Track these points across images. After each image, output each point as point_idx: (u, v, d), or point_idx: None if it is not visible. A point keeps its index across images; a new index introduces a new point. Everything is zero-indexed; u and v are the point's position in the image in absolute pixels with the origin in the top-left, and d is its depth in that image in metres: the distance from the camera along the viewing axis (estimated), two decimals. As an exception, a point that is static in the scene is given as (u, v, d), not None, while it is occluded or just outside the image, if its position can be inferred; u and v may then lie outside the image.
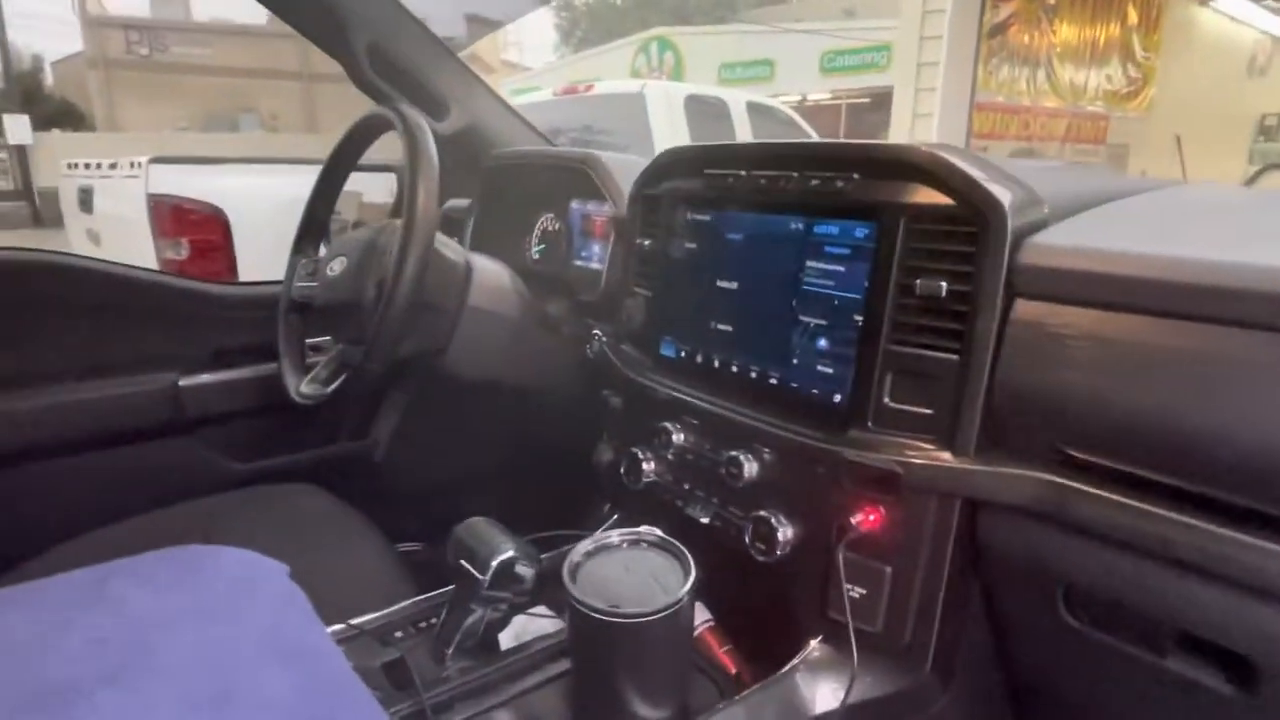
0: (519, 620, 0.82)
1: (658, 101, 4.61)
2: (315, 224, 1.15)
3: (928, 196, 0.67)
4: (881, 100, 9.55)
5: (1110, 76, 6.77)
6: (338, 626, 0.76)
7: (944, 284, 0.65)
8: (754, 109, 5.12)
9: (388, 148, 1.12)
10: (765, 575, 0.77)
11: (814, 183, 0.76)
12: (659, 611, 0.61)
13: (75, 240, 3.68)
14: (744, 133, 4.90)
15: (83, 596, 0.55)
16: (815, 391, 0.75)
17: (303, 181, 1.21)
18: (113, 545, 1.00)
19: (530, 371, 1.16)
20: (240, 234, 2.78)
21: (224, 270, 2.77)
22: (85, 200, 3.45)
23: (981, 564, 0.68)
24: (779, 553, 0.74)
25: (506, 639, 0.81)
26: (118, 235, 3.12)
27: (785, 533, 0.74)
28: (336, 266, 1.03)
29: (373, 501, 1.14)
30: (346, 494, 1.14)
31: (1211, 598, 0.54)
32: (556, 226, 1.29)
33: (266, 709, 0.47)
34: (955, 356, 0.65)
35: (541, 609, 0.84)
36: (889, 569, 0.69)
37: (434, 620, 0.80)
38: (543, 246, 1.32)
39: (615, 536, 0.68)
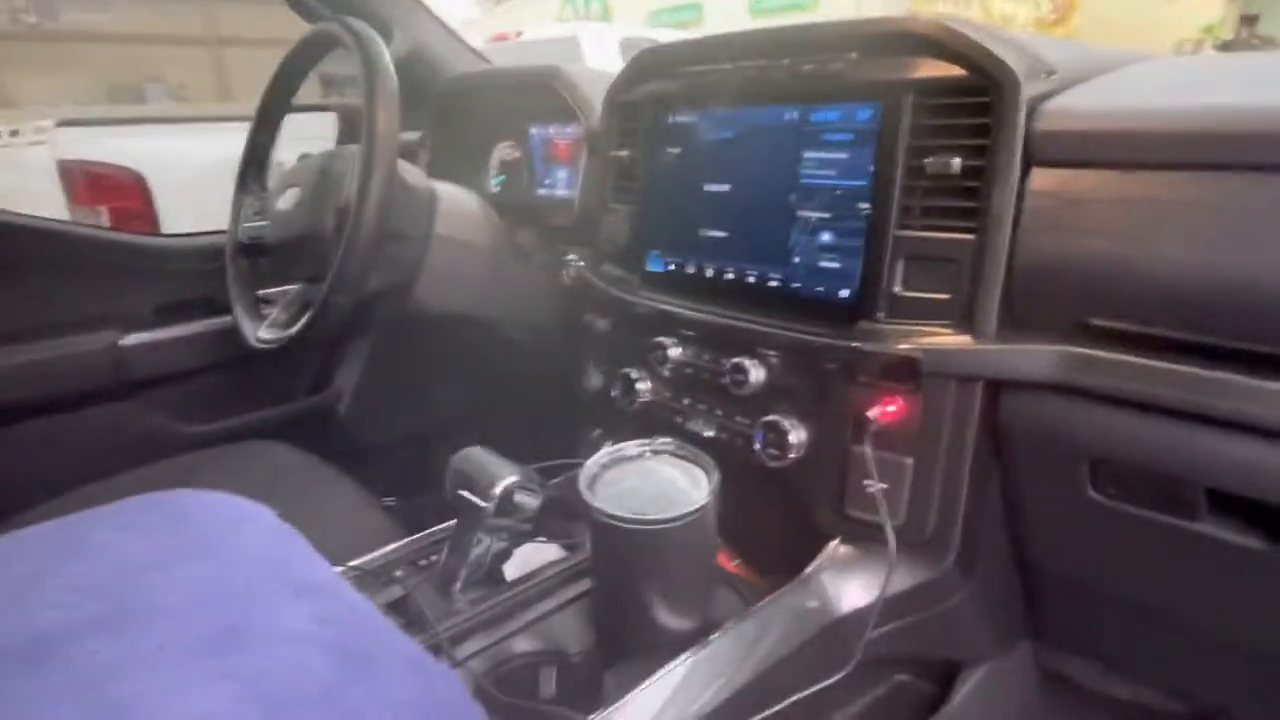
0: (522, 552, 0.79)
1: (592, 44, 4.48)
2: (258, 158, 1.06)
3: (935, 69, 0.64)
4: (814, 41, 9.47)
5: (1039, 4, 6.87)
6: (336, 569, 0.71)
7: (957, 160, 0.62)
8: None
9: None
10: (777, 482, 0.75)
11: (808, 68, 0.72)
12: (684, 516, 0.58)
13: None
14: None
15: (59, 546, 0.49)
16: (820, 289, 0.72)
17: (228, 141, 1.11)
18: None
19: (503, 303, 1.10)
20: (163, 198, 2.60)
21: (149, 238, 2.59)
22: (-10, 170, 3.18)
23: (1004, 448, 0.67)
24: (792, 455, 0.72)
25: (511, 571, 0.77)
26: (25, 208, 2.89)
27: (798, 435, 0.72)
28: (289, 200, 0.95)
29: (343, 458, 1.08)
30: (315, 451, 1.08)
31: (1243, 450, 0.54)
32: (516, 155, 1.23)
33: (285, 642, 0.42)
34: (971, 235, 0.62)
35: (543, 540, 0.81)
36: (910, 460, 0.67)
37: (434, 558, 0.76)
38: (502, 177, 1.25)
39: (631, 447, 0.65)
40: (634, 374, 0.87)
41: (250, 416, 1.26)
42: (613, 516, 0.57)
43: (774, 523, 0.78)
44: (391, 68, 0.86)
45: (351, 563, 0.73)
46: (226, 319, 1.07)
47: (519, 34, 4.96)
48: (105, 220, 2.59)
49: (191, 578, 0.47)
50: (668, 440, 0.67)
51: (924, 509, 0.68)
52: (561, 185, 1.14)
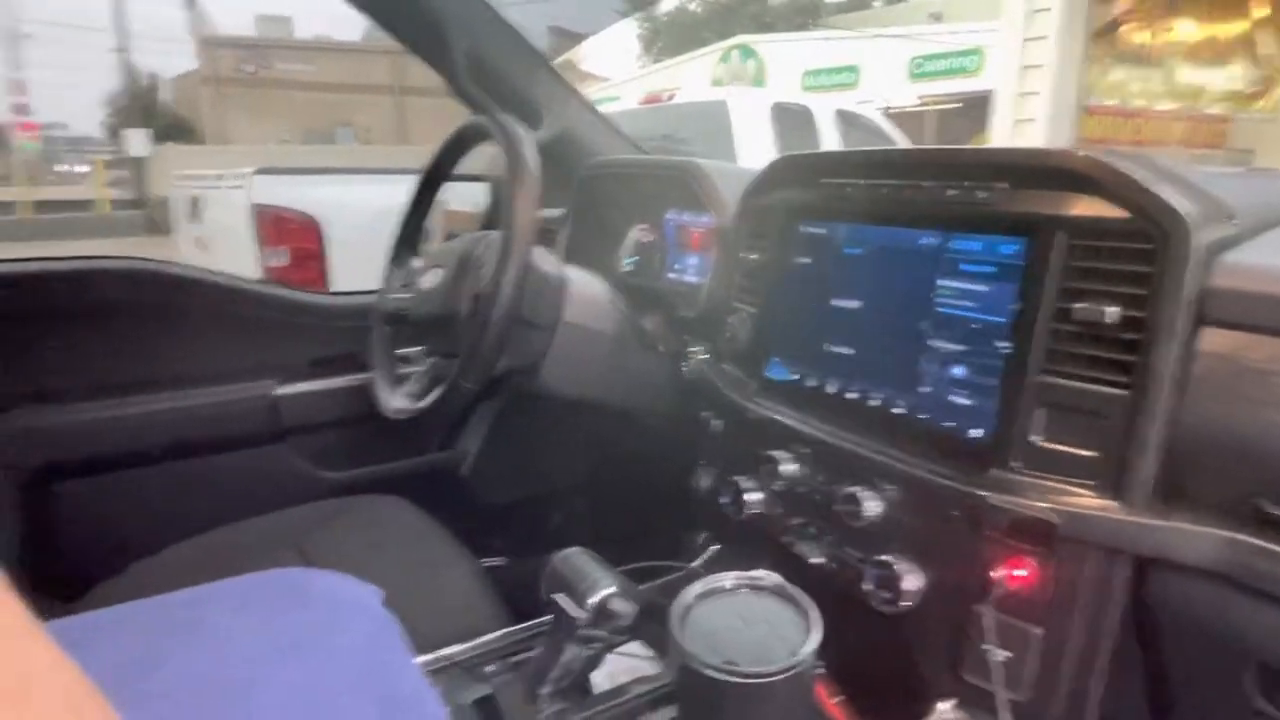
0: (613, 659, 0.77)
1: (741, 109, 4.54)
2: (411, 234, 1.14)
3: (1093, 208, 0.59)
4: (973, 105, 9.16)
5: (1233, 76, 6.29)
6: (428, 657, 0.73)
7: (1114, 309, 0.57)
8: (841, 116, 4.99)
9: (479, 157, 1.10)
10: (886, 626, 0.70)
11: (951, 193, 0.69)
12: (780, 672, 0.55)
13: (184, 247, 3.87)
14: (830, 140, 4.76)
15: (176, 624, 0.53)
16: (949, 425, 0.68)
17: (392, 191, 1.20)
18: (201, 556, 1.00)
19: (625, 389, 1.11)
20: (333, 242, 2.86)
21: (317, 277, 2.85)
22: (194, 210, 3.63)
23: (1151, 635, 0.59)
24: (905, 603, 0.67)
25: (600, 678, 0.76)
26: (224, 243, 3.26)
27: (913, 581, 0.67)
28: (432, 279, 1.01)
29: (458, 514, 1.12)
30: (433, 506, 1.12)
31: None
32: (650, 238, 1.25)
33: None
34: (1125, 391, 0.56)
35: (637, 646, 0.79)
36: (1039, 631, 0.60)
37: (526, 654, 0.76)
38: (635, 259, 1.28)
39: (729, 580, 0.63)
40: (744, 483, 0.85)
41: (380, 468, 1.34)
42: (703, 663, 0.55)
43: (881, 665, 0.73)
44: (535, 165, 0.90)
45: (445, 650, 0.74)
46: (368, 375, 1.14)
47: (671, 96, 5.11)
48: (287, 259, 2.87)
49: (290, 679, 0.49)
50: (769, 575, 0.64)
51: (1051, 688, 0.61)
52: (691, 272, 1.15)
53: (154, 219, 10.93)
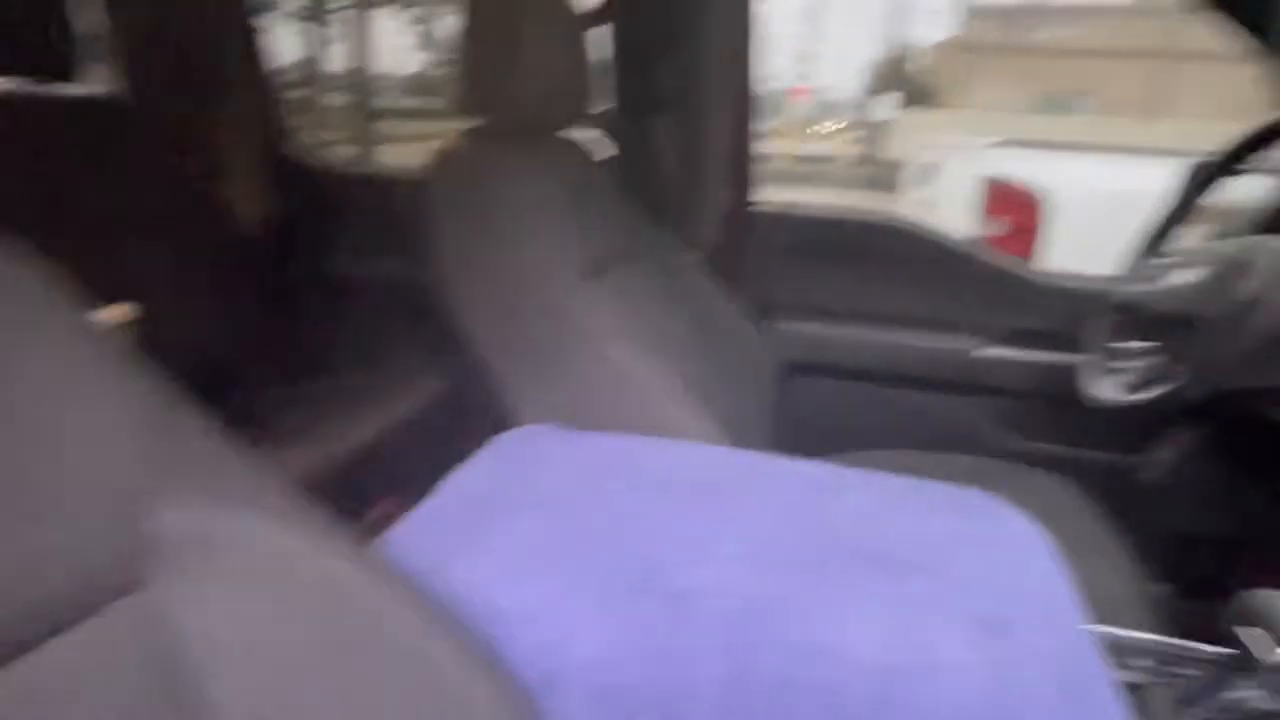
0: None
1: None
2: (1172, 226, 1.10)
3: None
4: None
5: None
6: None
7: None
8: None
9: None
10: None
11: None
12: None
13: (907, 207, 4.32)
14: None
15: (882, 494, 0.70)
16: None
17: (1133, 174, 1.15)
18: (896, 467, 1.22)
19: None
20: (1054, 219, 2.82)
21: (1026, 251, 2.87)
22: (925, 175, 4.00)
23: None
24: None
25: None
26: (947, 208, 3.55)
27: None
28: (1183, 275, 0.97)
29: (1127, 521, 1.08)
30: (1101, 503, 1.11)
31: None
32: None
33: (1039, 644, 0.52)
34: None
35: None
36: None
37: (1188, 673, 0.74)
38: None
39: None
40: None
41: (1059, 449, 1.37)
42: None
43: None
44: None
45: (1102, 627, 0.77)
46: (1069, 356, 1.17)
47: None
48: (1004, 231, 2.97)
49: (973, 572, 0.60)
50: None
51: None
52: None
53: (878, 177, 12.27)
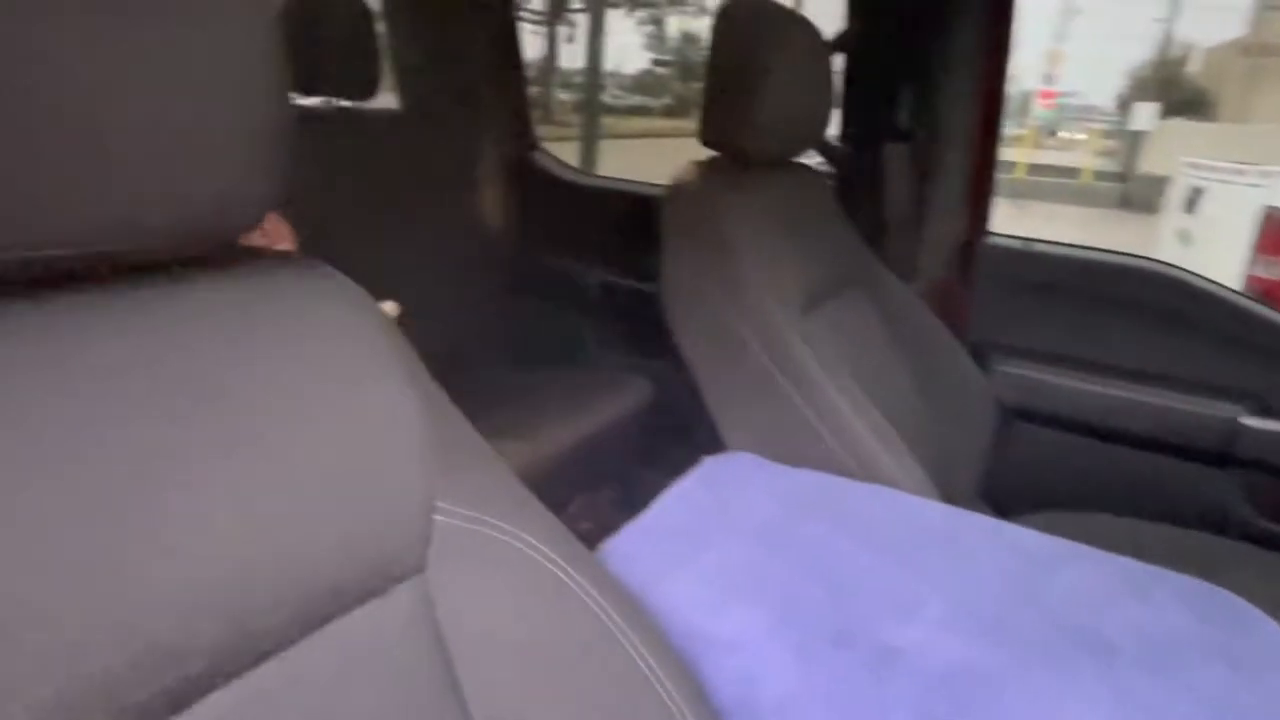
0: None
1: None
2: None
3: None
4: None
5: None
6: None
7: None
8: None
9: None
10: None
11: None
12: None
13: (1164, 235, 3.83)
14: None
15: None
16: None
17: None
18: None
19: None
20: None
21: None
22: (1191, 201, 3.52)
23: None
24: None
25: None
26: (1211, 240, 3.11)
27: None
28: None
29: None
30: None
31: None
32: None
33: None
34: None
35: None
36: None
37: None
38: None
39: None
40: None
41: None
42: None
43: None
44: None
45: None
46: None
47: None
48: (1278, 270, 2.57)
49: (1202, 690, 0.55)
50: None
51: None
52: None
53: (1132, 196, 10.92)
